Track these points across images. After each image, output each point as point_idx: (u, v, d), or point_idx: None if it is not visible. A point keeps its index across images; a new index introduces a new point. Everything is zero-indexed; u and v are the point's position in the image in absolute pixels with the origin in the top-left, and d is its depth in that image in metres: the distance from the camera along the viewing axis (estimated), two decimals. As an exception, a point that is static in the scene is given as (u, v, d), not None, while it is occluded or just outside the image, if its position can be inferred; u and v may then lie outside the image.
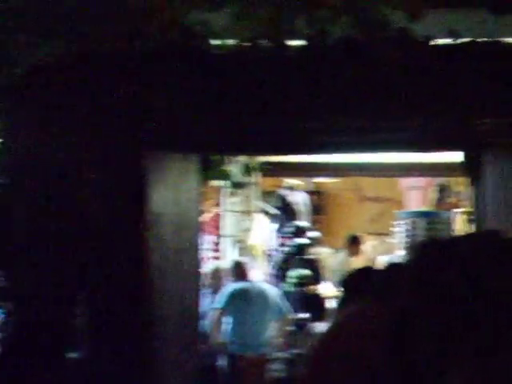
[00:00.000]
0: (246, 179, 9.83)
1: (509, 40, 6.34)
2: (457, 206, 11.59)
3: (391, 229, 11.92)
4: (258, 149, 7.17)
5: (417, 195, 13.14)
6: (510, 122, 6.14)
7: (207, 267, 9.61)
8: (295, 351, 8.81)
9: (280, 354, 8.71)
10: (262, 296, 8.33)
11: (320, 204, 14.87)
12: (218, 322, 8.29)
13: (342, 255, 11.46)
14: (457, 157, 7.07)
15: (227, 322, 8.32)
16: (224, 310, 8.28)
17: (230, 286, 8.48)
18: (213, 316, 8.30)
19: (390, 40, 6.04)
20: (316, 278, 10.37)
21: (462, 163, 6.91)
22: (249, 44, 6.21)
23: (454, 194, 12.30)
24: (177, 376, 6.65)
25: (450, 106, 6.20)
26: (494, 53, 6.19)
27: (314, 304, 9.72)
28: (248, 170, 8.81)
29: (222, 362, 8.26)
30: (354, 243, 11.36)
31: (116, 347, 6.27)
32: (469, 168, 6.85)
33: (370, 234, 13.04)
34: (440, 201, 12.56)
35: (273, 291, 8.69)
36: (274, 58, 6.11)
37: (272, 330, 8.38)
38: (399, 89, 6.12)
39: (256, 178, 10.52)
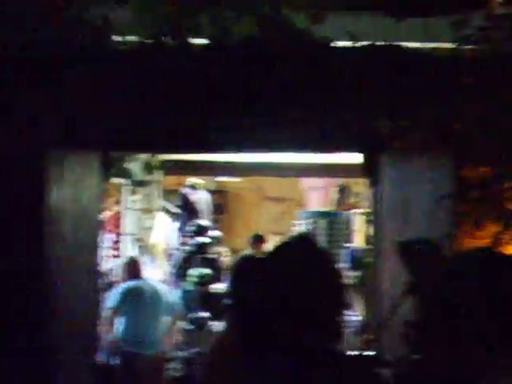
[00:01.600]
0: (147, 177, 9.77)
1: (408, 44, 6.47)
2: (356, 207, 11.76)
3: (292, 228, 12.03)
4: (158, 147, 7.15)
5: (317, 195, 13.29)
6: (407, 125, 6.27)
7: (115, 264, 9.50)
8: (194, 350, 8.79)
9: (178, 353, 8.68)
10: (154, 294, 8.27)
11: (222, 203, 14.88)
12: (110, 321, 8.18)
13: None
14: (356, 158, 7.18)
15: (120, 321, 8.23)
16: (117, 309, 8.18)
17: (122, 285, 8.39)
18: (105, 315, 8.18)
19: (292, 41, 6.09)
20: (216, 277, 10.38)
21: (361, 164, 7.03)
22: (152, 41, 6.18)
23: (353, 195, 12.48)
24: (71, 374, 6.59)
25: (349, 107, 6.29)
26: (393, 57, 6.31)
27: (214, 303, 9.72)
28: (149, 168, 8.75)
29: (116, 360, 8.16)
30: (257, 242, 11.40)
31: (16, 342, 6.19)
32: (368, 169, 6.97)
33: (272, 233, 13.12)
34: (340, 201, 12.72)
35: (165, 289, 8.63)
36: (177, 55, 6.08)
37: (166, 329, 8.33)
38: (299, 89, 6.18)
39: (158, 176, 10.46)
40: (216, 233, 11.42)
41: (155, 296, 8.26)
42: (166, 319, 8.34)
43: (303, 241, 2.33)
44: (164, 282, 9.56)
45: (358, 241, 10.83)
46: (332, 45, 6.31)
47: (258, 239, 11.47)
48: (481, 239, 6.40)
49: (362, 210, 10.87)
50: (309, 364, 2.12)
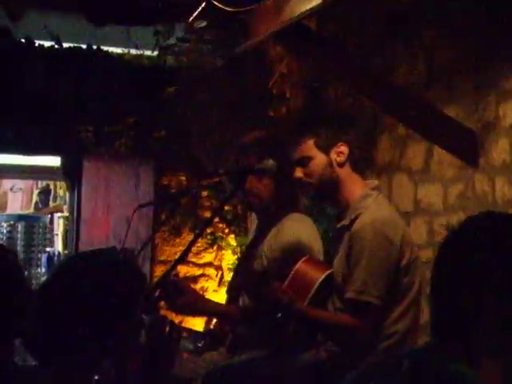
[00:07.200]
0: None
1: (113, 49, 6.43)
2: (59, 210, 11.54)
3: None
4: None
5: (19, 197, 12.89)
6: (109, 131, 6.24)
7: None
8: None
9: None
10: None
11: None
12: None
13: None
14: (58, 161, 7.04)
15: None
16: None
17: None
18: None
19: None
20: None
21: (61, 167, 6.90)
22: None
23: (57, 198, 12.24)
24: None
25: (51, 110, 6.14)
26: (95, 60, 6.25)
27: None
28: None
29: None
30: None
31: None
32: (68, 173, 6.86)
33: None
34: (43, 204, 12.43)
35: None
36: None
37: None
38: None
39: None
40: None
41: None
42: None
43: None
44: None
45: (60, 245, 10.64)
46: (36, 44, 6.14)
47: None
48: (178, 247, 6.51)
49: (64, 214, 10.70)
50: None
